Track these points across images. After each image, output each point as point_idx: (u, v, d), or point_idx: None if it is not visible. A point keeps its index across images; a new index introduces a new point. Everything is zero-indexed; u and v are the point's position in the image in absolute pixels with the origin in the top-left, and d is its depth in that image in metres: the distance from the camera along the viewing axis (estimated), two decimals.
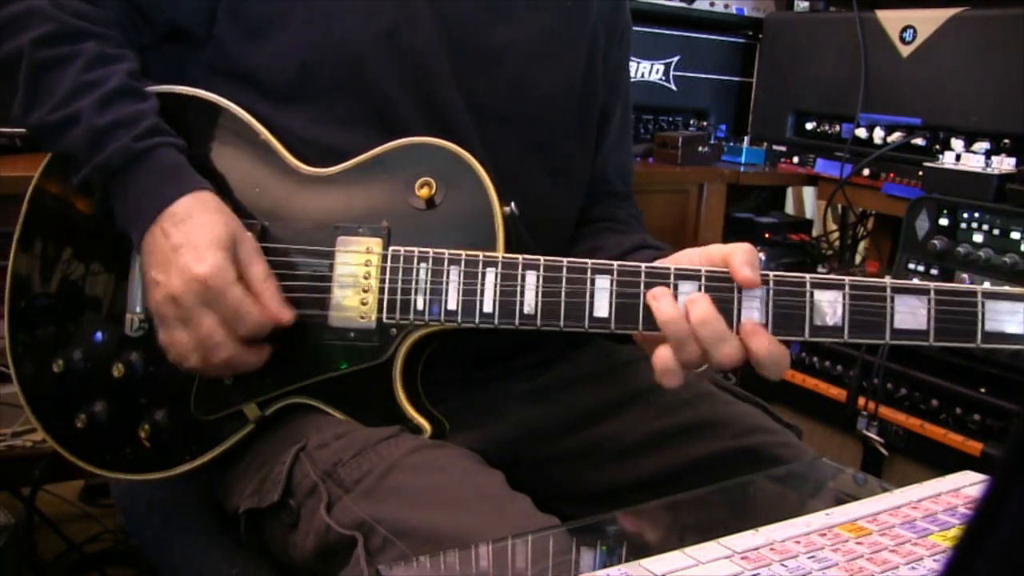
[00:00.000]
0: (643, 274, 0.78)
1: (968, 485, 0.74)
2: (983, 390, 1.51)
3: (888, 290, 0.76)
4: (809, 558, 0.60)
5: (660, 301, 0.77)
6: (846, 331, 0.76)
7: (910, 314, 0.76)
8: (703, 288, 0.77)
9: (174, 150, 0.84)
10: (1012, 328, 0.75)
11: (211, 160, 0.87)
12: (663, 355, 0.77)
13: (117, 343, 0.89)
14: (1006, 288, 0.76)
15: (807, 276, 0.77)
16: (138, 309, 0.87)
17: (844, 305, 0.76)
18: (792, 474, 0.89)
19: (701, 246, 0.82)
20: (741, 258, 0.77)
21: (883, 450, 1.62)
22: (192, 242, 0.79)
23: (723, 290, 0.77)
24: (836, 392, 1.71)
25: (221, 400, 0.86)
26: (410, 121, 0.88)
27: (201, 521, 0.97)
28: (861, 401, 1.64)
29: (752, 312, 0.77)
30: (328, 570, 0.75)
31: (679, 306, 0.76)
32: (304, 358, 0.85)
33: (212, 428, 0.87)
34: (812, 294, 0.76)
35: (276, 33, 0.88)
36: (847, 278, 0.77)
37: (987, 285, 0.77)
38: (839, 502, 0.70)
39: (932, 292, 0.76)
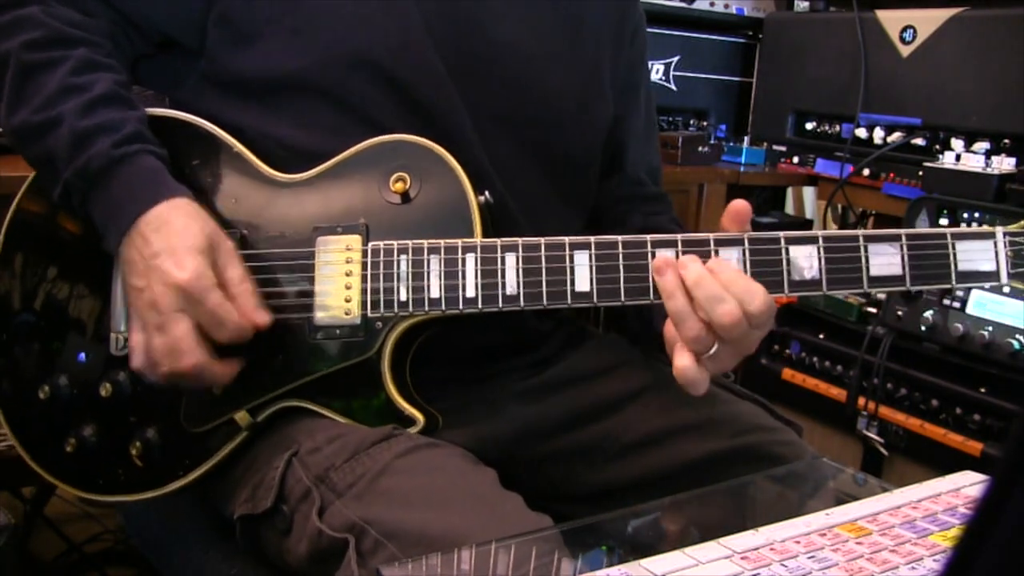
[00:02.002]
0: (620, 246, 0.80)
1: (968, 485, 0.74)
2: (983, 390, 1.51)
3: (861, 240, 0.78)
4: (809, 558, 0.60)
5: (664, 275, 0.77)
6: (824, 283, 0.79)
7: (885, 261, 0.78)
8: (679, 254, 0.79)
9: (153, 157, 0.84)
10: (985, 266, 0.78)
11: (186, 177, 0.87)
12: (680, 363, 0.78)
13: (103, 363, 0.88)
14: (975, 228, 0.78)
15: (781, 233, 0.79)
16: (122, 328, 0.87)
17: (820, 258, 0.78)
18: (792, 474, 0.89)
19: None
20: (731, 205, 0.80)
21: (883, 450, 1.62)
22: (170, 248, 0.79)
23: (700, 255, 0.79)
24: (836, 392, 1.71)
25: (212, 410, 0.86)
26: (400, 126, 0.87)
27: (201, 522, 0.97)
28: (861, 401, 1.64)
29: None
30: (322, 574, 0.75)
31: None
32: (292, 359, 0.85)
33: (204, 439, 0.86)
34: (788, 250, 0.79)
35: (263, 42, 0.88)
36: (820, 231, 0.79)
37: (955, 228, 0.80)
38: (839, 502, 0.70)
39: (904, 238, 0.78)
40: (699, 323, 0.76)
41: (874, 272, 0.78)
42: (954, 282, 0.78)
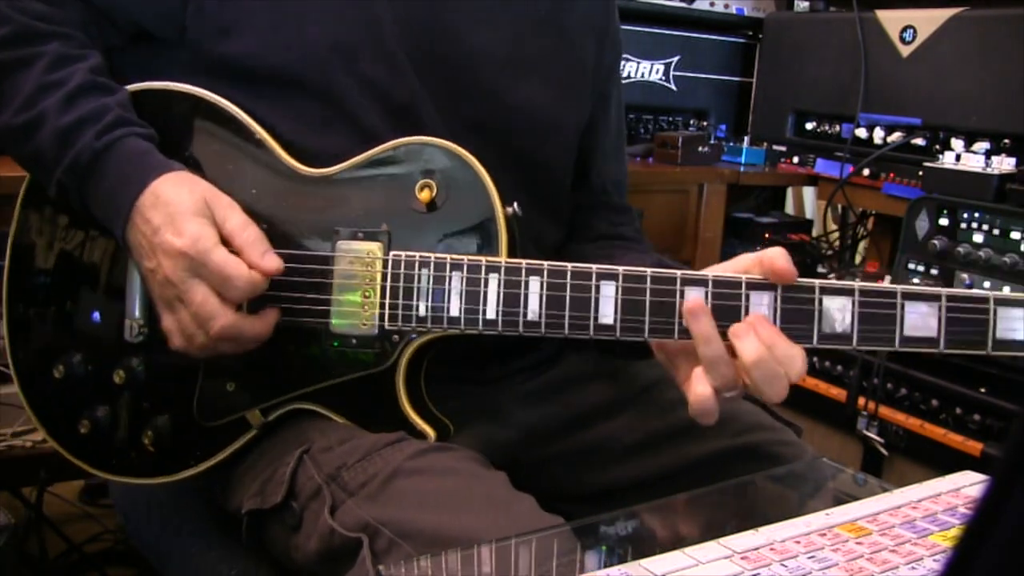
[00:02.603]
0: (649, 279, 0.77)
1: (968, 485, 0.74)
2: (983, 390, 1.51)
3: (899, 297, 0.74)
4: (809, 558, 0.60)
5: (700, 320, 0.74)
6: (855, 338, 0.74)
7: (920, 321, 0.74)
8: (709, 294, 0.75)
9: (138, 139, 0.82)
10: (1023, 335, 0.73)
11: (206, 160, 0.86)
12: (702, 392, 0.74)
13: (117, 350, 0.88)
14: (1019, 295, 0.74)
15: (816, 281, 0.75)
16: (137, 315, 0.87)
17: (853, 313, 0.74)
18: (792, 474, 0.89)
19: (702, 246, 0.81)
20: (776, 252, 0.75)
21: (883, 450, 1.62)
22: (168, 219, 0.78)
23: (730, 297, 0.75)
24: (836, 392, 1.71)
25: (224, 406, 0.86)
26: (379, 128, 0.86)
27: (201, 522, 0.97)
28: (861, 401, 1.64)
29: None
30: (330, 572, 0.75)
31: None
32: (306, 364, 0.84)
33: (215, 434, 0.86)
34: (821, 300, 0.75)
35: (245, 34, 0.87)
36: (857, 283, 0.75)
37: (998, 292, 0.75)
38: (839, 502, 0.70)
39: (943, 299, 0.73)
40: (731, 369, 0.74)
41: (908, 332, 0.74)
42: (990, 350, 0.73)
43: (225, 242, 0.79)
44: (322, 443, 0.82)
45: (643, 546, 0.67)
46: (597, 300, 0.77)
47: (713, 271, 0.77)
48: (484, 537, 0.67)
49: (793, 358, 0.73)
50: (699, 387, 0.75)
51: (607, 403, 0.99)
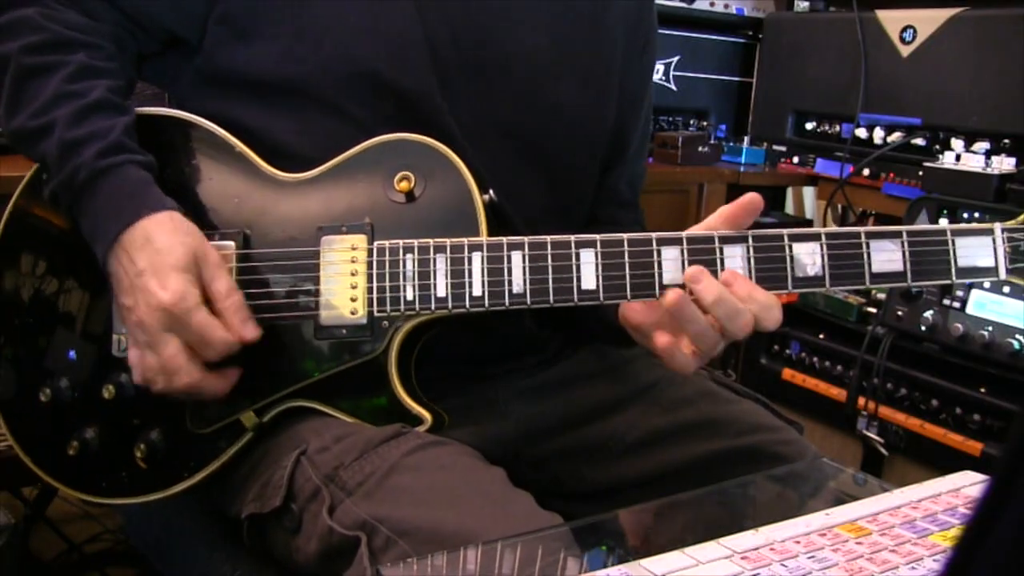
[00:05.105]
0: (626, 244, 0.80)
1: (968, 485, 0.74)
2: (983, 390, 1.52)
3: (863, 236, 0.79)
4: (809, 558, 0.60)
5: (703, 281, 0.78)
6: (827, 280, 0.79)
7: (886, 258, 0.79)
8: (684, 251, 0.79)
9: (139, 167, 0.83)
10: (983, 262, 0.79)
11: (188, 177, 0.87)
12: (682, 358, 0.80)
13: (105, 365, 0.88)
14: (973, 224, 0.80)
15: (784, 231, 0.80)
16: (124, 329, 0.86)
17: (823, 255, 0.79)
18: (792, 474, 0.89)
19: None
20: (745, 197, 0.81)
21: (883, 450, 1.63)
22: (153, 267, 0.78)
23: (705, 252, 0.80)
24: (836, 392, 1.71)
25: (217, 411, 0.85)
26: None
27: (203, 524, 0.97)
28: (861, 401, 1.65)
29: (735, 270, 0.80)
30: (331, 573, 0.75)
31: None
32: (298, 360, 0.85)
33: (210, 441, 0.86)
34: (791, 247, 0.79)
35: (263, 42, 0.88)
36: (823, 229, 0.81)
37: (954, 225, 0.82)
38: (839, 502, 0.70)
39: (905, 235, 0.79)
40: (717, 335, 0.78)
41: (876, 268, 0.79)
42: (954, 278, 0.79)
43: (206, 300, 0.80)
44: (318, 443, 0.82)
45: (643, 546, 0.67)
46: (578, 267, 0.81)
47: (687, 231, 0.81)
48: (481, 534, 0.67)
49: (770, 307, 0.78)
50: (681, 358, 0.80)
51: (608, 400, 0.99)
